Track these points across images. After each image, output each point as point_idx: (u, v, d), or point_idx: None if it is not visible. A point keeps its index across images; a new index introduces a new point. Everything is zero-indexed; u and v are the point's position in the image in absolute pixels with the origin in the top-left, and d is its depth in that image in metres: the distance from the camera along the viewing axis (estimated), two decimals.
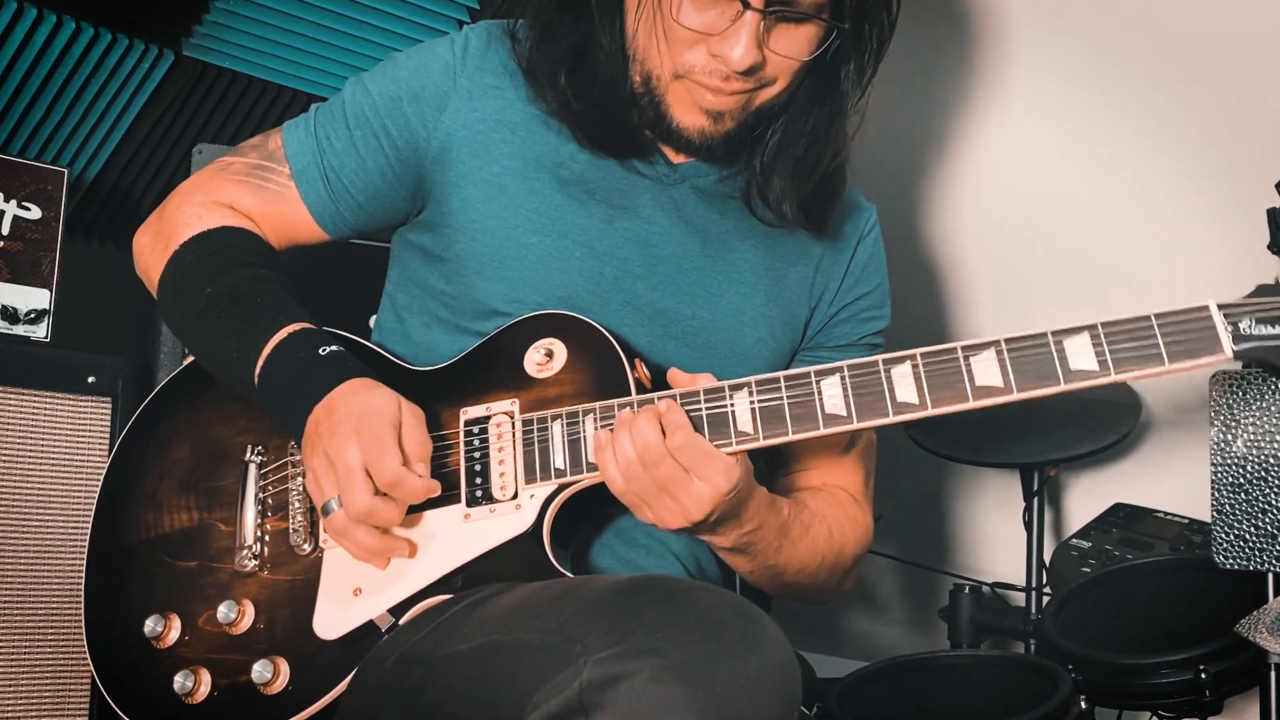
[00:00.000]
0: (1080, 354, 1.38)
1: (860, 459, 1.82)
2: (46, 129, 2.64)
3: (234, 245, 1.67)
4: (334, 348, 1.55)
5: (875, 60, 1.65)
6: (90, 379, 2.18)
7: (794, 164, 1.67)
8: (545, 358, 1.58)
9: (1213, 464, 1.72)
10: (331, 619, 1.53)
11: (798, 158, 1.67)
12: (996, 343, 1.41)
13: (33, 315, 2.23)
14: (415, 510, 1.53)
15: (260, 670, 1.52)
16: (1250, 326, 1.35)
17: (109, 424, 2.19)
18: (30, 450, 2.11)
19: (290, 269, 1.72)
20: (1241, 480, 1.69)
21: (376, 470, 1.45)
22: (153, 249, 1.73)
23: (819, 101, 1.67)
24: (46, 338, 2.25)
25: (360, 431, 1.45)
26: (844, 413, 1.44)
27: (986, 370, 1.40)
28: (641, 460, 1.43)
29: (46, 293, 2.26)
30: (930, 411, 1.42)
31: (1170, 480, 2.57)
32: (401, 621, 1.51)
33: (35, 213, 2.26)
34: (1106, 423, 2.45)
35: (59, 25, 2.50)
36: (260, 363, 1.55)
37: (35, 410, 2.12)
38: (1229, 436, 1.70)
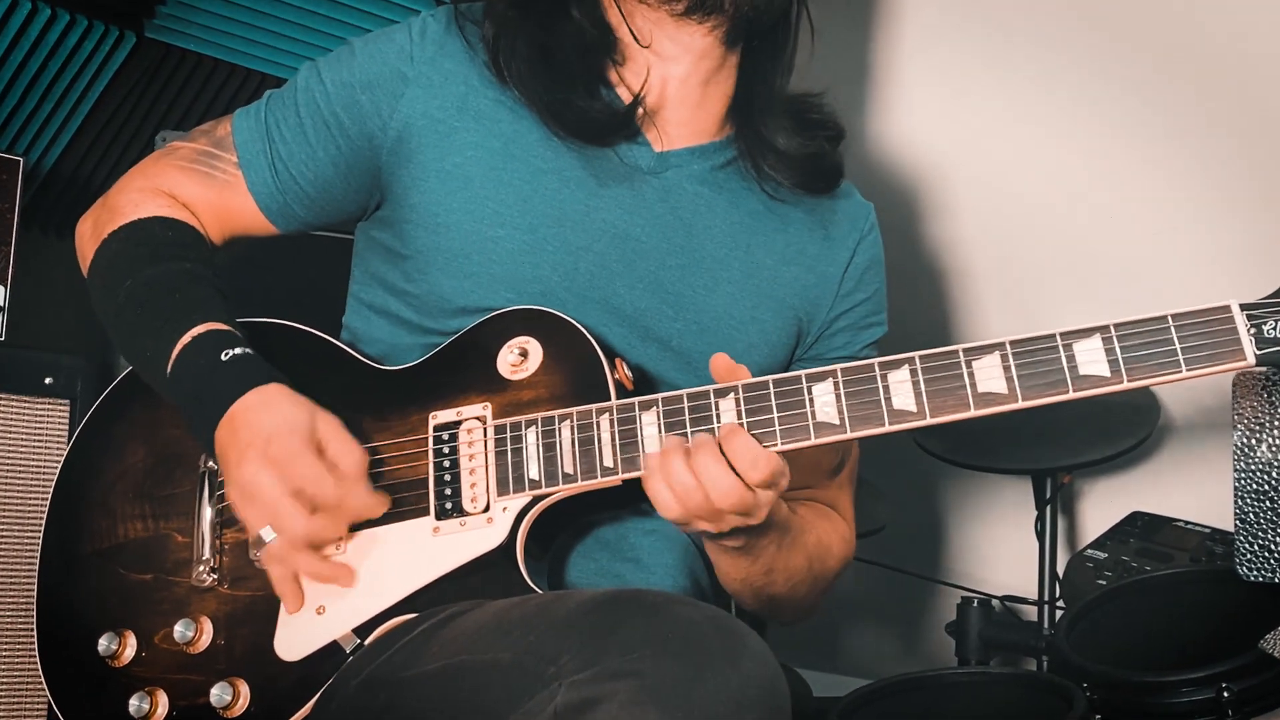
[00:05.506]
0: (1091, 358, 1.34)
1: (845, 485, 1.81)
2: (1, 115, 2.60)
3: (162, 237, 1.63)
4: (238, 351, 1.49)
5: None
6: (47, 380, 2.15)
7: (790, 101, 1.69)
8: (520, 358, 1.54)
9: (1235, 470, 1.65)
10: (293, 639, 1.49)
11: (787, 92, 1.70)
12: (1001, 345, 1.38)
13: None
14: (379, 523, 1.49)
15: (219, 693, 1.48)
16: (1275, 329, 1.33)
17: (67, 427, 2.16)
18: None
19: (270, 265, 1.70)
20: (1266, 487, 1.63)
21: (312, 496, 1.41)
22: (90, 237, 1.69)
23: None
24: (1, 336, 2.20)
25: (272, 457, 1.40)
26: (837, 421, 1.40)
27: (990, 376, 1.37)
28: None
29: (1, 289, 2.22)
30: (929, 420, 1.39)
31: (1190, 487, 2.56)
32: (367, 641, 1.47)
33: None
34: (1123, 427, 2.45)
35: (14, 5, 2.46)
36: (170, 368, 1.50)
37: None
38: (1253, 441, 1.65)
